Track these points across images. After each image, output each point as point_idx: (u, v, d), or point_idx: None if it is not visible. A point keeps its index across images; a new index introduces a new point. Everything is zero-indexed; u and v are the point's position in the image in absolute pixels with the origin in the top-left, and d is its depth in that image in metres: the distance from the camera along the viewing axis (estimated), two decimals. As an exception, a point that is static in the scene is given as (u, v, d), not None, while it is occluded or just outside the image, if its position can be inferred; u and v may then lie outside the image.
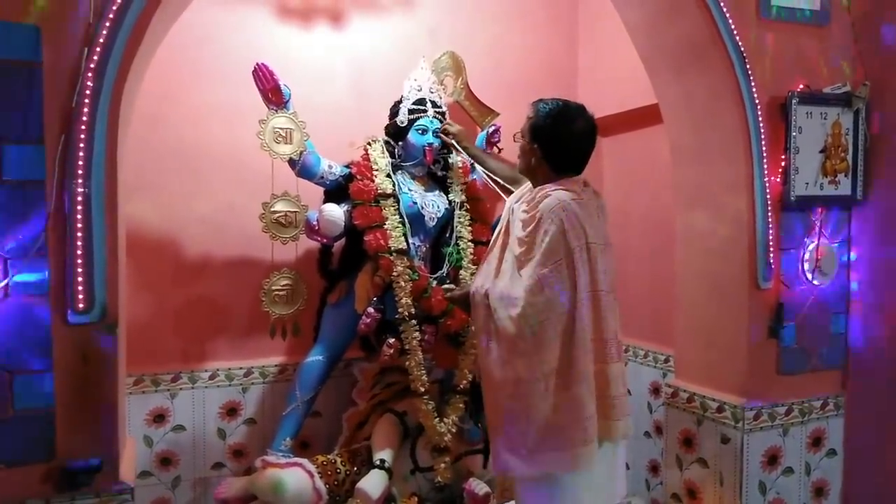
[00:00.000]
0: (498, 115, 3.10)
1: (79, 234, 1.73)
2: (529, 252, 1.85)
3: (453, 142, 2.76)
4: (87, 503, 1.77)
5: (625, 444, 2.00)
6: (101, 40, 1.74)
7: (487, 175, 2.68)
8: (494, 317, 1.88)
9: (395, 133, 2.80)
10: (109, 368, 1.81)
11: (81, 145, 1.72)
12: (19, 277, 1.71)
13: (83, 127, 1.72)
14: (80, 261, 1.73)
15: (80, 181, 1.73)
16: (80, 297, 1.74)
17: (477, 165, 2.78)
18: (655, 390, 3.09)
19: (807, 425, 2.55)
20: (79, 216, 1.73)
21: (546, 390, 1.79)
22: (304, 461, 2.55)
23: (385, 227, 2.61)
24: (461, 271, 2.75)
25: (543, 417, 1.79)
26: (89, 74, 1.73)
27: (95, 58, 1.73)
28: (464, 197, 2.85)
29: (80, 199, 1.73)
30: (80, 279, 1.74)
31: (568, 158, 1.98)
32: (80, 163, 1.73)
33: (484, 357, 1.93)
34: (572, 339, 1.81)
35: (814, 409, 2.56)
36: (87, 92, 1.73)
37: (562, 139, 1.96)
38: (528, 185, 2.12)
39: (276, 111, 2.49)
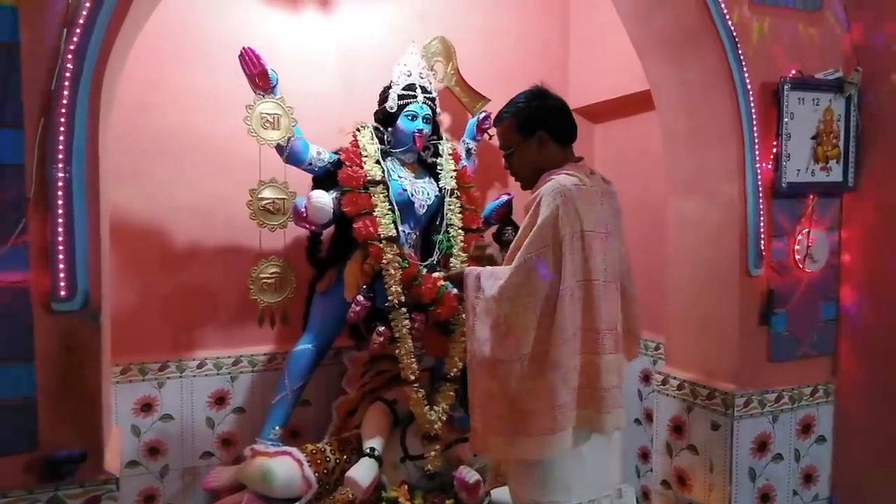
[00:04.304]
0: (489, 101, 3.08)
1: (60, 221, 1.69)
2: (525, 234, 1.82)
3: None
4: (72, 493, 1.75)
5: (619, 435, 1.97)
6: (81, 21, 1.69)
7: None
8: (483, 296, 1.86)
9: (385, 119, 2.76)
10: (93, 357, 1.78)
11: (62, 129, 1.68)
12: (-1, 264, 1.67)
13: (63, 110, 1.68)
14: (61, 247, 1.70)
15: (60, 166, 1.68)
16: (62, 284, 1.70)
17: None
18: (646, 377, 3.09)
19: (796, 412, 2.56)
20: (60, 202, 1.69)
21: (521, 373, 1.77)
22: (294, 450, 2.54)
23: (374, 214, 2.59)
24: (451, 259, 2.73)
25: (518, 401, 1.78)
26: (69, 56, 1.68)
27: (75, 39, 1.69)
28: (454, 184, 2.83)
29: (60, 184, 1.69)
30: (61, 266, 1.70)
31: (568, 124, 1.97)
32: (61, 147, 1.68)
33: (469, 336, 1.91)
34: (551, 327, 1.77)
35: (803, 395, 2.56)
36: (67, 74, 1.68)
37: (556, 107, 1.97)
38: None
39: (264, 96, 2.45)
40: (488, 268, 1.92)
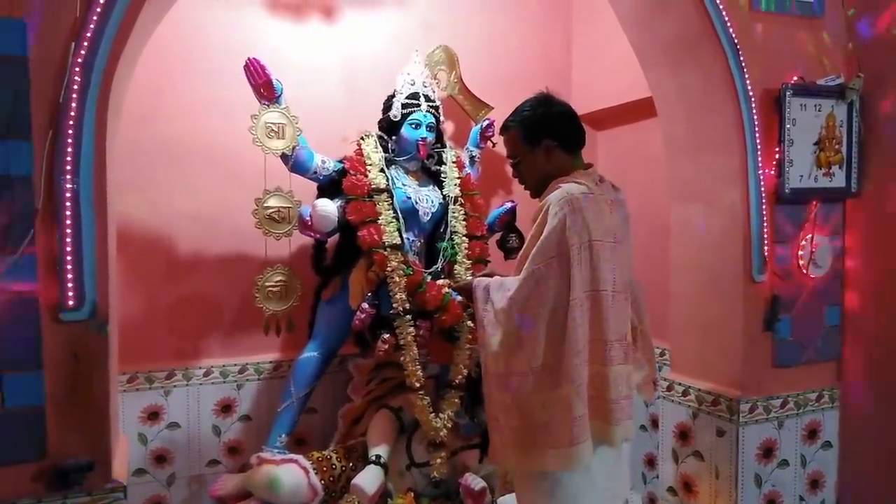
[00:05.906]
0: (492, 108, 3.09)
1: (68, 231, 1.71)
2: (532, 245, 1.80)
3: None
4: (80, 502, 1.76)
5: (628, 446, 1.95)
6: (89, 34, 1.71)
7: None
8: (492, 308, 1.85)
9: (389, 128, 2.78)
10: (101, 366, 1.79)
11: (70, 141, 1.70)
12: (8, 275, 1.68)
13: (71, 122, 1.70)
14: (69, 258, 1.71)
15: (68, 177, 1.71)
16: (70, 294, 1.72)
17: None
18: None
19: (802, 418, 2.55)
20: (68, 213, 1.71)
21: (535, 385, 1.76)
22: (300, 457, 2.54)
23: (379, 222, 2.60)
24: (455, 266, 2.74)
25: (532, 413, 1.77)
26: (77, 69, 1.71)
27: (83, 52, 1.71)
28: (458, 191, 2.84)
29: (68, 195, 1.71)
30: (69, 276, 1.72)
31: (575, 130, 1.94)
32: (69, 158, 1.71)
33: (481, 348, 1.90)
34: (562, 338, 1.75)
35: (809, 401, 2.56)
36: (75, 87, 1.71)
37: (562, 114, 1.93)
38: None
39: (269, 106, 2.47)
40: (497, 278, 1.89)
